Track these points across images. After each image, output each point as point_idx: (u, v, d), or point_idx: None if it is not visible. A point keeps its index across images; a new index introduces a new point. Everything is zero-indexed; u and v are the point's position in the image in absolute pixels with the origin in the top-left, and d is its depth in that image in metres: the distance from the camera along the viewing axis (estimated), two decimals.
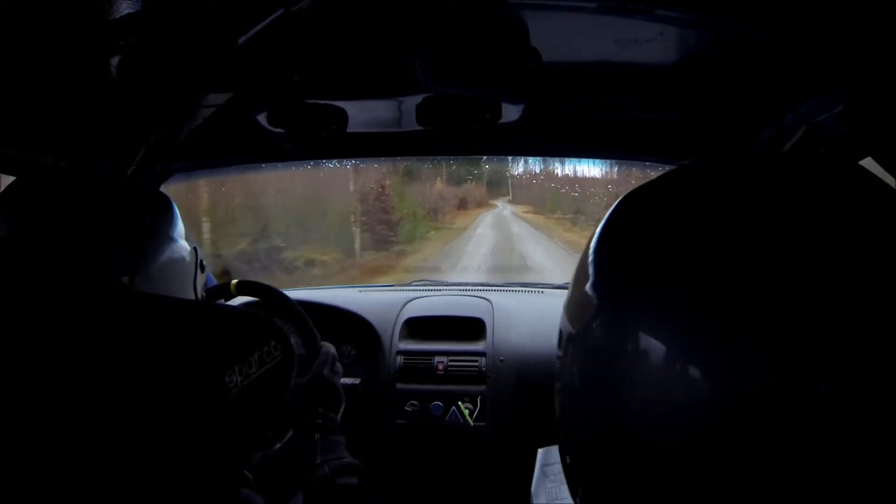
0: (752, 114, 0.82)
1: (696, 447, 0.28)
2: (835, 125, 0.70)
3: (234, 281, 0.88)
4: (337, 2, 0.58)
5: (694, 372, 0.27)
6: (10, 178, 0.61)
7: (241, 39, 0.60)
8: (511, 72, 0.75)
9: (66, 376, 0.39)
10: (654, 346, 0.29)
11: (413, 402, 1.28)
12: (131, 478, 0.39)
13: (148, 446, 0.39)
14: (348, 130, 0.90)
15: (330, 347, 0.85)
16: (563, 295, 0.38)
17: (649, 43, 0.65)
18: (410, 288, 1.63)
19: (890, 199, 0.30)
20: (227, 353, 0.45)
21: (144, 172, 0.82)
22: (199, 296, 0.68)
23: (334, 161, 1.30)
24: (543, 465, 0.72)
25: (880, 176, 0.31)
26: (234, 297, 0.88)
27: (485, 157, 1.54)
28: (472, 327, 1.35)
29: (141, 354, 0.41)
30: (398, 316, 1.38)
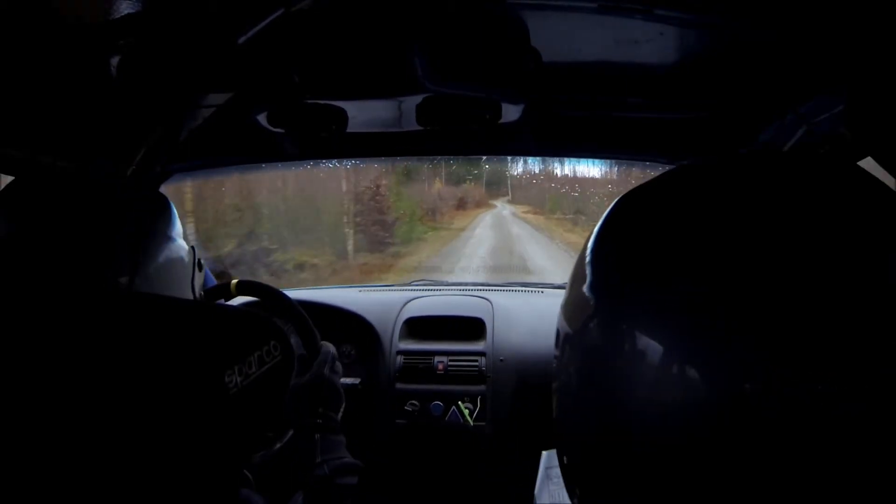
0: (752, 114, 0.82)
1: (694, 447, 0.28)
2: (835, 125, 0.70)
3: (234, 281, 0.88)
4: (337, 2, 0.58)
5: (693, 372, 0.27)
6: (11, 179, 0.61)
7: (241, 39, 0.60)
8: (511, 72, 0.75)
9: (66, 377, 0.39)
10: (651, 346, 0.29)
11: (413, 402, 1.28)
12: (131, 478, 0.39)
13: (148, 446, 0.39)
14: (348, 130, 0.90)
15: (330, 347, 0.85)
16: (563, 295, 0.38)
17: (649, 43, 0.65)
18: (410, 288, 1.63)
19: (888, 199, 0.30)
20: (227, 353, 0.45)
21: (144, 172, 0.82)
22: (197, 294, 0.68)
23: (333, 161, 1.30)
24: (547, 468, 0.72)
25: (880, 176, 0.31)
26: (234, 297, 0.88)
27: (485, 157, 1.54)
28: (472, 327, 1.35)
29: (141, 354, 0.41)
30: (398, 316, 1.38)
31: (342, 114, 0.87)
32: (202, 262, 0.71)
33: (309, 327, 0.85)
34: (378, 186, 7.58)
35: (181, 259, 0.64)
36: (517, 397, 1.27)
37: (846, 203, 0.30)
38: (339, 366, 0.84)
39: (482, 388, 1.27)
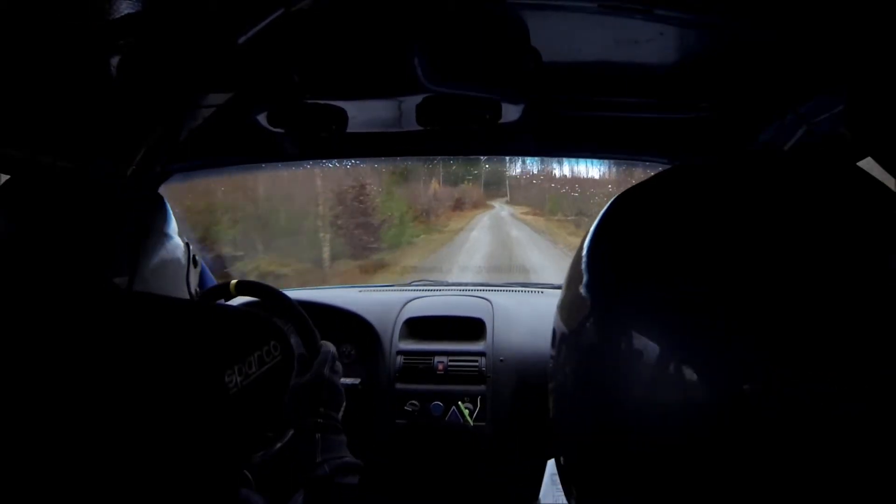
0: (752, 114, 0.82)
1: (692, 447, 0.27)
2: (835, 125, 0.70)
3: (234, 281, 0.88)
4: (337, 2, 0.58)
5: (691, 372, 0.27)
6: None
7: (241, 39, 0.60)
8: (511, 72, 0.75)
9: (66, 377, 0.39)
10: (649, 346, 0.29)
11: (413, 402, 1.28)
12: (131, 478, 0.39)
13: (148, 446, 0.39)
14: (348, 130, 0.90)
15: (330, 346, 0.85)
16: None
17: (649, 43, 0.65)
18: (410, 288, 1.63)
19: (888, 199, 0.30)
20: (227, 353, 0.45)
21: (144, 172, 0.82)
22: (193, 290, 0.69)
23: (333, 161, 1.30)
24: (553, 473, 0.71)
25: (880, 176, 0.31)
26: (234, 297, 0.88)
27: (484, 158, 1.54)
28: (472, 327, 1.35)
29: (140, 355, 0.41)
30: (398, 316, 1.38)
31: (342, 114, 0.87)
32: (197, 258, 0.71)
33: (309, 327, 0.85)
34: (363, 185, 6.74)
35: (177, 255, 0.64)
36: (517, 397, 1.27)
37: (846, 203, 0.30)
38: (339, 366, 0.84)
39: (482, 388, 1.27)
